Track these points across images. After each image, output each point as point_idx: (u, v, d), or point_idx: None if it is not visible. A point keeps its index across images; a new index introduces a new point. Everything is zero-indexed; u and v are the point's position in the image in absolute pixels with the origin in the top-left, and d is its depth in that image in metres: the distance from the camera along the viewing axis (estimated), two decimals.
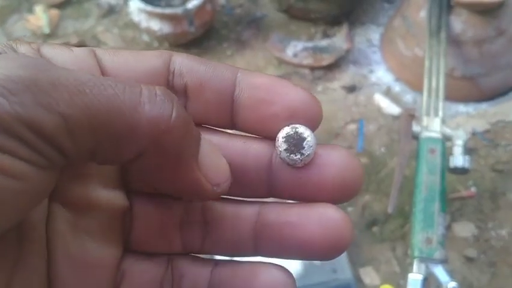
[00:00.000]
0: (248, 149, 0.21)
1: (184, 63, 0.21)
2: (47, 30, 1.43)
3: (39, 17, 1.44)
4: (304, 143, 0.19)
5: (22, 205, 0.16)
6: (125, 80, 0.17)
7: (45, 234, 0.20)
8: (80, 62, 0.20)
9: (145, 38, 1.43)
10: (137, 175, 0.21)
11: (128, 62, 0.20)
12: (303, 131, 0.20)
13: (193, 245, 0.22)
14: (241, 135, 0.21)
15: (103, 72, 0.20)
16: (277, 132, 0.20)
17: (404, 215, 1.04)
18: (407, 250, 0.99)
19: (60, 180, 0.20)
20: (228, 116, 0.21)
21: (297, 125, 0.20)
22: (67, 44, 0.21)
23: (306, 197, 0.20)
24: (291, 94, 0.20)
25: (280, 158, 0.20)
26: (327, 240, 0.19)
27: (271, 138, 0.20)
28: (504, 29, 1.22)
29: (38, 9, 1.45)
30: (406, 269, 0.97)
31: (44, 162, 0.16)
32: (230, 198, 0.22)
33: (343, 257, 0.95)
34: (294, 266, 0.95)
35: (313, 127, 0.20)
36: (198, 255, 0.22)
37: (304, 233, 0.20)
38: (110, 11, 1.50)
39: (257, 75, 0.21)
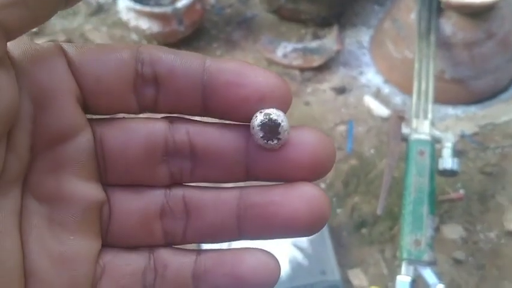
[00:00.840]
0: (224, 133, 0.21)
1: (152, 53, 0.20)
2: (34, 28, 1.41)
3: None
4: (279, 129, 0.20)
5: None
6: None
7: (19, 228, 0.19)
8: (47, 56, 0.20)
9: (134, 37, 1.42)
10: None
11: (95, 54, 0.20)
12: (277, 117, 0.20)
13: (174, 235, 0.22)
14: (216, 122, 0.21)
15: (71, 65, 0.20)
16: (251, 119, 0.20)
17: (393, 217, 1.04)
18: (396, 252, 0.99)
19: (34, 172, 0.20)
20: (200, 102, 0.21)
21: (270, 111, 0.20)
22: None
23: (283, 176, 0.21)
24: (260, 77, 0.20)
25: (257, 144, 0.21)
26: (310, 216, 0.20)
27: (244, 121, 0.21)
28: (494, 32, 1.22)
29: None
30: (394, 271, 0.97)
31: None
32: (209, 186, 0.22)
33: (331, 259, 0.95)
34: (283, 267, 0.94)
35: (284, 109, 0.20)
36: (180, 246, 0.22)
37: (289, 210, 0.20)
38: (99, 9, 1.48)
39: (225, 60, 0.21)
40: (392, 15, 1.33)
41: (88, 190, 0.20)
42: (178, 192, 0.21)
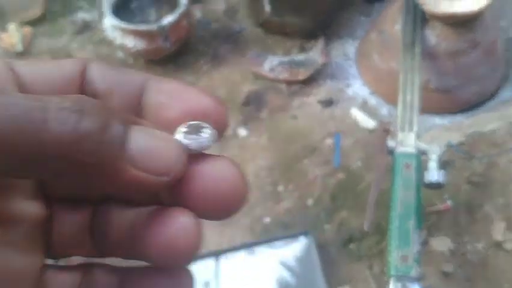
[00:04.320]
0: None
1: (96, 70, 0.21)
2: (20, 48, 1.41)
3: (12, 35, 1.42)
4: (202, 129, 0.19)
5: None
6: (36, 96, 0.17)
7: None
8: None
9: (120, 54, 1.42)
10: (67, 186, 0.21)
11: (44, 72, 0.20)
12: (204, 123, 0.20)
13: (101, 249, 0.22)
14: None
15: (21, 83, 0.20)
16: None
17: (381, 230, 1.04)
18: (384, 268, 0.99)
19: None
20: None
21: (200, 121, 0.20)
22: None
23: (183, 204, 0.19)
24: (192, 100, 0.20)
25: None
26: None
27: None
28: (478, 41, 1.23)
29: (11, 27, 1.43)
30: (383, 287, 0.97)
31: None
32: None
33: (319, 277, 0.95)
34: (271, 285, 0.94)
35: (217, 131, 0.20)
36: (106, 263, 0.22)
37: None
38: (85, 27, 1.48)
39: (166, 81, 0.21)
40: (378, 27, 1.34)
41: (34, 207, 0.21)
42: (102, 207, 0.22)
